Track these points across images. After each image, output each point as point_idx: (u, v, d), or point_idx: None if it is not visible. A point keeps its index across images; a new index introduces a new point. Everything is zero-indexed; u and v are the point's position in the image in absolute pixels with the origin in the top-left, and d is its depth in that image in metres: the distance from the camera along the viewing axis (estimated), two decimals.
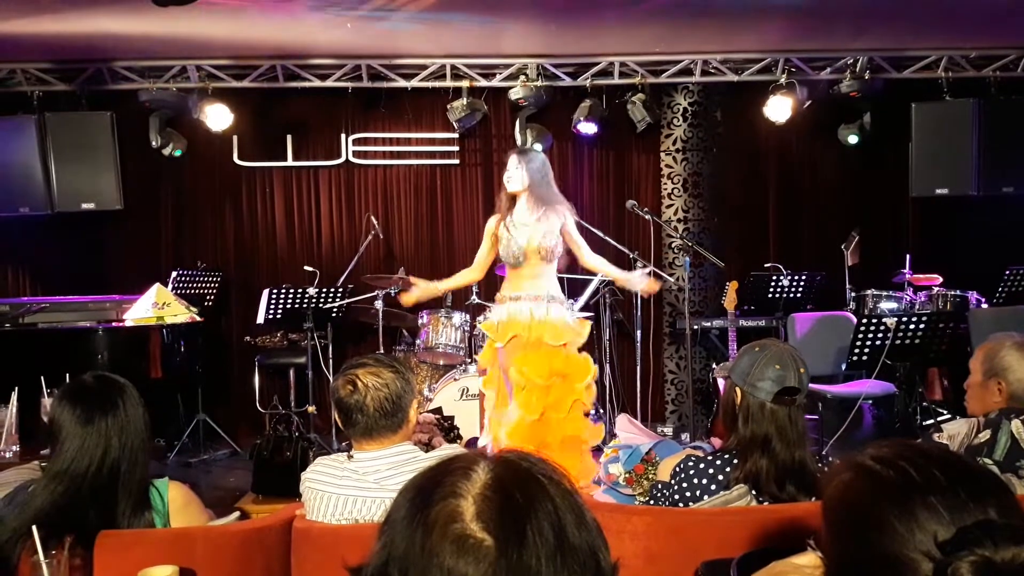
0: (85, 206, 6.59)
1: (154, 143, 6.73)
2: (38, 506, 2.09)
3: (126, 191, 6.66)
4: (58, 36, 5.90)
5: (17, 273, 7.14)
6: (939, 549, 0.99)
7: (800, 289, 6.40)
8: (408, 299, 4.75)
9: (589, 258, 4.63)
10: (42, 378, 3.92)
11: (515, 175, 4.44)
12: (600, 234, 5.60)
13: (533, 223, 4.41)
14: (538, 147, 6.58)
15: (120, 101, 6.72)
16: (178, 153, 6.87)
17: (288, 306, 5.99)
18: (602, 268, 4.72)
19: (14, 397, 4.04)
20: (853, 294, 6.47)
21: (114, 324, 5.63)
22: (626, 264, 6.19)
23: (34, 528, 1.84)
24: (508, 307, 4.44)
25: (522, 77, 6.81)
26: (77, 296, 6.07)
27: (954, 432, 2.72)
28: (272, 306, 5.98)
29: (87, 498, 2.11)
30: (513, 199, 4.49)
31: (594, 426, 4.59)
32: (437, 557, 0.86)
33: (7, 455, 3.92)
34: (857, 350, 5.19)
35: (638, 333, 6.27)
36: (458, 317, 6.02)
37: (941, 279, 6.32)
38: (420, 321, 6.09)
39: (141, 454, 2.20)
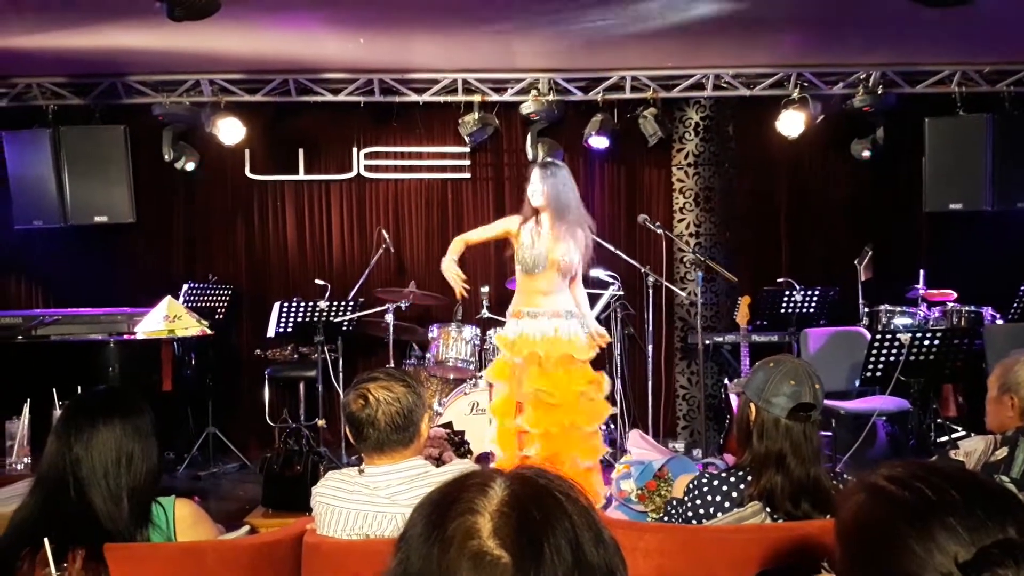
0: (98, 219, 6.63)
1: (167, 157, 6.76)
2: (20, 515, 2.11)
3: (139, 204, 6.71)
4: (73, 51, 5.95)
5: (30, 285, 7.18)
6: (960, 570, 0.98)
7: (813, 304, 6.37)
8: (451, 272, 4.58)
9: (576, 288, 4.61)
10: (54, 390, 3.93)
11: (537, 189, 4.44)
12: (612, 248, 5.60)
13: (555, 238, 4.41)
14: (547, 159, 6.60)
15: (134, 115, 6.77)
16: (191, 167, 6.90)
17: (299, 319, 5.99)
18: (577, 300, 4.63)
19: (26, 409, 4.05)
20: (866, 309, 6.42)
21: (125, 337, 5.64)
22: (638, 278, 6.20)
23: (46, 541, 1.84)
24: (525, 323, 4.43)
25: (534, 92, 6.83)
26: (89, 308, 6.09)
27: (971, 449, 2.70)
28: (283, 319, 5.98)
29: (68, 510, 2.10)
30: (537, 211, 4.50)
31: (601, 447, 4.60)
32: (454, 574, 0.86)
33: (19, 467, 3.93)
34: (871, 366, 5.15)
35: (649, 348, 6.25)
36: (468, 331, 6.01)
37: (955, 295, 6.28)
38: (430, 335, 6.08)
39: (127, 470, 2.16)
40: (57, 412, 3.78)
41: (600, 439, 4.58)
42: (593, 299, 5.92)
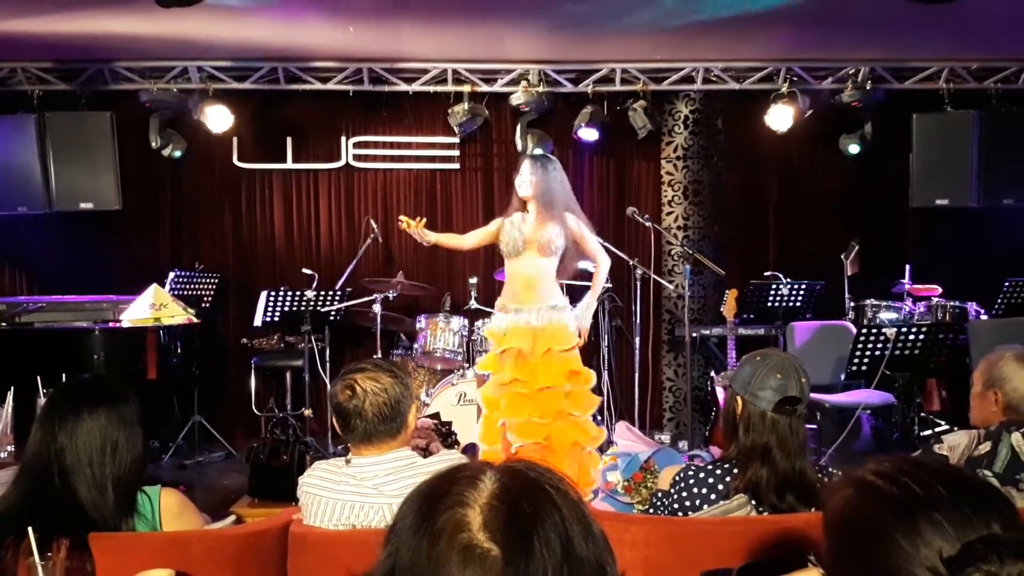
0: (83, 206, 6.57)
1: (154, 144, 6.72)
2: (4, 504, 2.10)
3: (125, 191, 6.65)
4: (59, 36, 5.89)
5: (14, 272, 7.12)
6: (945, 565, 0.99)
7: (799, 298, 6.39)
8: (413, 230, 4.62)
9: (601, 265, 4.69)
10: (38, 378, 3.91)
11: (526, 180, 4.49)
12: (600, 240, 5.59)
13: (540, 223, 4.45)
14: (538, 151, 6.59)
15: (120, 101, 6.72)
16: (178, 154, 6.86)
17: (286, 308, 5.97)
18: (596, 275, 4.74)
19: (10, 397, 4.01)
20: (852, 304, 6.46)
21: (111, 325, 5.60)
22: (626, 270, 6.22)
23: (30, 530, 1.83)
24: (510, 318, 4.46)
25: (524, 83, 6.81)
26: (74, 296, 6.05)
27: (954, 443, 2.72)
28: (270, 308, 5.96)
29: (53, 498, 2.09)
30: (524, 202, 4.54)
31: (597, 430, 4.61)
32: (444, 567, 0.85)
33: (2, 455, 3.90)
34: (856, 360, 5.18)
35: (637, 340, 6.27)
36: (456, 322, 6.01)
37: (940, 290, 6.32)
38: (418, 325, 6.08)
39: (112, 459, 2.15)
40: (41, 400, 3.77)
41: (593, 425, 4.60)
42: (581, 292, 5.92)
